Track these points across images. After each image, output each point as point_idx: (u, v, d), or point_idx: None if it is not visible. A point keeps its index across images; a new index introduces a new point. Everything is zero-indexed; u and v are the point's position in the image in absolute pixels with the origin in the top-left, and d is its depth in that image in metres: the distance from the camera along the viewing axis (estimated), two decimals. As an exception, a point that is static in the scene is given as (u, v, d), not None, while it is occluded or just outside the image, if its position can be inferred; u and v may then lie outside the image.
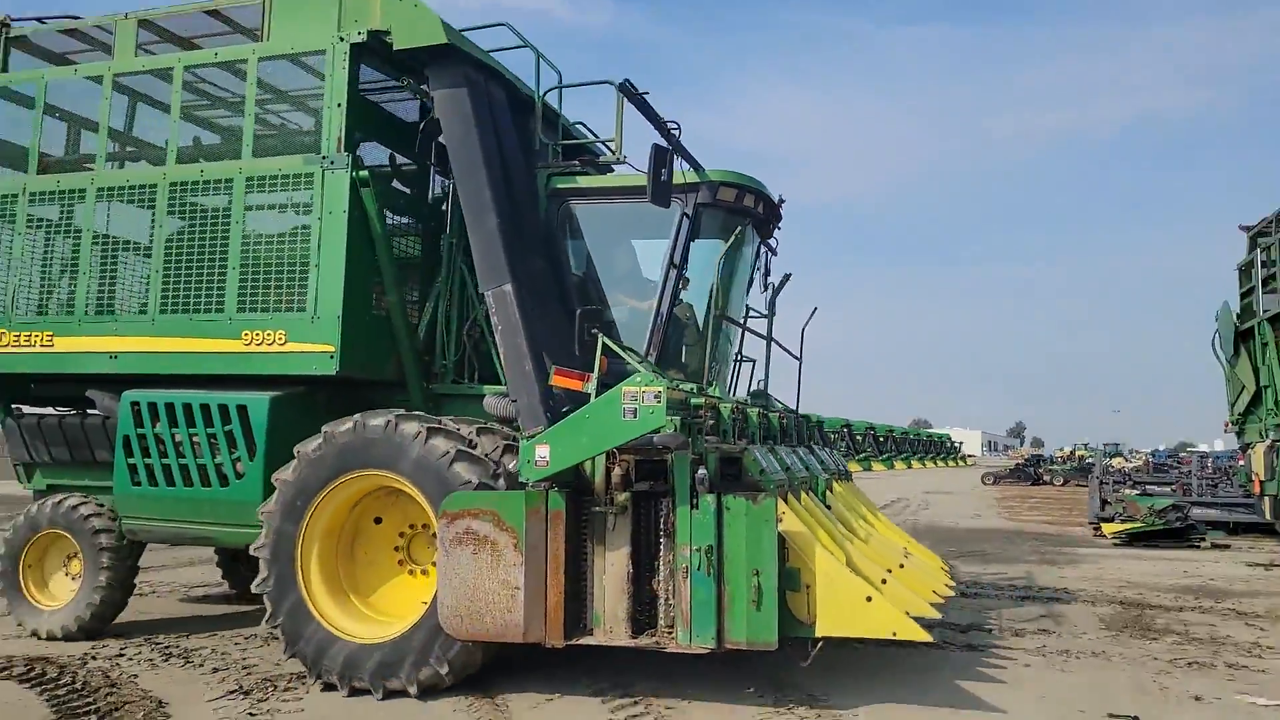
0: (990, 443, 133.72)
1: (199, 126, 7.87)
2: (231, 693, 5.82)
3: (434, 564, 6.21)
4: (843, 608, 5.25)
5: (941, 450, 65.10)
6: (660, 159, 6.00)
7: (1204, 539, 16.06)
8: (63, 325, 7.24)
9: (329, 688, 5.80)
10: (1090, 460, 42.21)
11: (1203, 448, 56.23)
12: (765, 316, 8.14)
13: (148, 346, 6.95)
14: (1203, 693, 6.08)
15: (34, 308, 7.41)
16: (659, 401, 5.09)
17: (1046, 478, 43.96)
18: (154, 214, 7.05)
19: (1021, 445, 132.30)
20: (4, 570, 7.51)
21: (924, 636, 5.14)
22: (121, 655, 6.79)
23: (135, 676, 6.22)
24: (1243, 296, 15.08)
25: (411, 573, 6.31)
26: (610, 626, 5.46)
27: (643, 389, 5.13)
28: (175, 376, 6.91)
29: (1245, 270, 15.05)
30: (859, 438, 54.06)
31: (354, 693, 5.71)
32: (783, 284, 7.66)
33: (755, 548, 5.17)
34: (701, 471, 5.28)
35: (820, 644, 5.38)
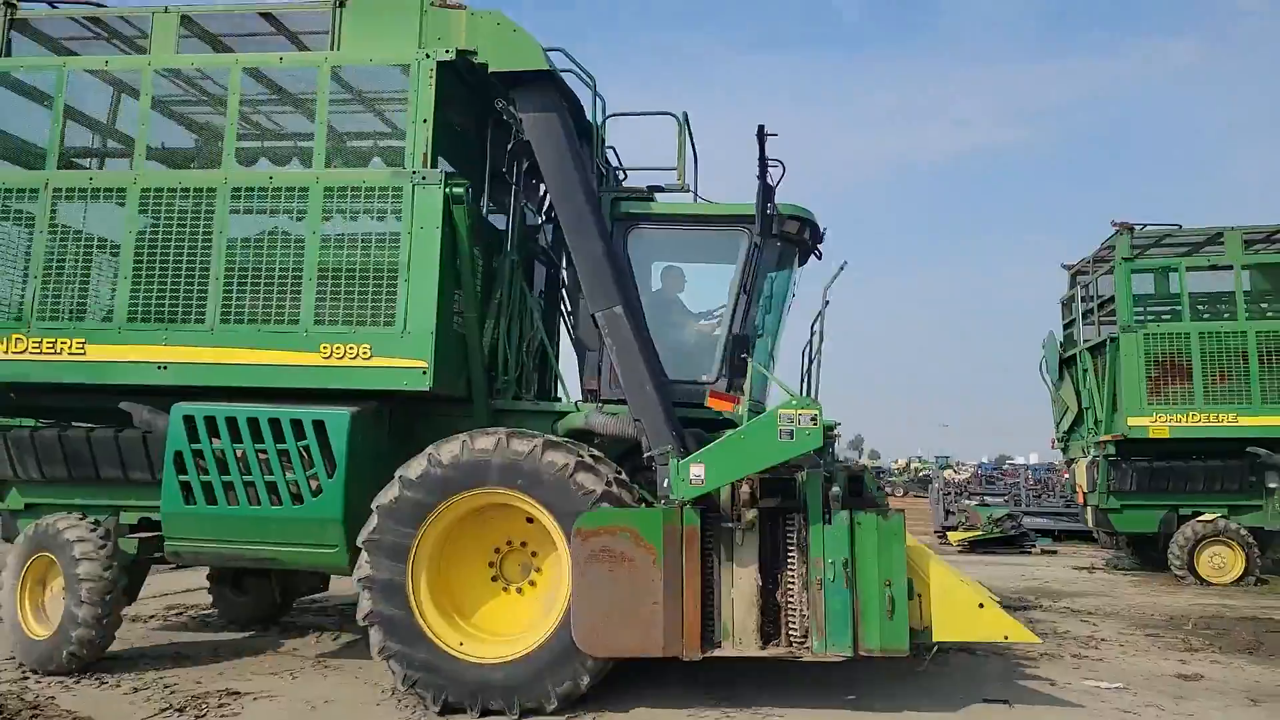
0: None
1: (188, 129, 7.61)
2: (164, 710, 5.72)
3: (530, 583, 6.29)
4: (959, 614, 5.71)
5: (792, 463, 67.51)
6: (768, 195, 6.37)
7: (1035, 545, 17.81)
8: (98, 332, 6.75)
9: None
10: (927, 473, 45.13)
11: (1019, 459, 60.91)
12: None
13: (205, 357, 6.59)
14: (1056, 678, 6.87)
15: (61, 313, 6.86)
16: (815, 424, 5.41)
17: (888, 489, 46.64)
18: (213, 219, 6.72)
19: (860, 457, 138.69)
20: (3, 601, 6.96)
21: (1034, 639, 5.68)
22: (26, 679, 6.46)
23: (53, 698, 5.97)
24: (1065, 327, 16.68)
25: (510, 590, 6.30)
26: (740, 638, 5.70)
27: (799, 411, 5.43)
28: (222, 389, 6.61)
29: (1067, 304, 16.67)
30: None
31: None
32: (838, 273, 7.85)
33: (887, 560, 5.56)
34: (835, 489, 5.63)
35: (935, 648, 5.82)
